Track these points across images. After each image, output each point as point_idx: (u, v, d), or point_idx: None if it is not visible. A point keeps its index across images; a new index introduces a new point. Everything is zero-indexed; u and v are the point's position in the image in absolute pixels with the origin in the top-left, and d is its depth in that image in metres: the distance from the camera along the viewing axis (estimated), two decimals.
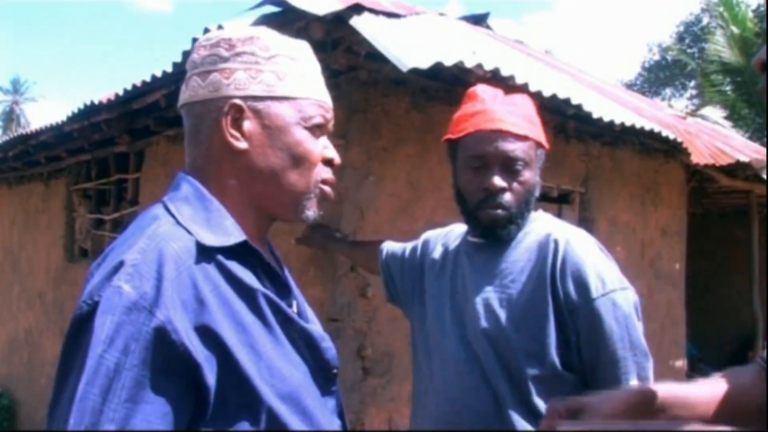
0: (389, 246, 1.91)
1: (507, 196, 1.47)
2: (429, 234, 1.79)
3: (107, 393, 0.78)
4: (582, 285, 1.43)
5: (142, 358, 0.79)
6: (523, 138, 1.48)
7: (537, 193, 1.55)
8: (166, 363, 0.81)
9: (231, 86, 0.94)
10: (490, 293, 1.49)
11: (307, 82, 0.99)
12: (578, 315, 1.43)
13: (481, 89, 1.55)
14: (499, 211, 1.47)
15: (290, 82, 0.97)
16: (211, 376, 0.84)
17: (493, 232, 1.50)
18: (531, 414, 1.41)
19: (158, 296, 0.81)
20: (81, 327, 0.82)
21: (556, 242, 1.46)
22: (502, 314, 1.46)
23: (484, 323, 1.47)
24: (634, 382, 1.42)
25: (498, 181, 1.46)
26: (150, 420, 0.80)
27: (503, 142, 1.46)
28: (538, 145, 1.53)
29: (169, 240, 0.86)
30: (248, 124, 0.95)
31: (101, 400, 0.78)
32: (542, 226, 1.53)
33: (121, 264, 0.83)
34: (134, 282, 0.81)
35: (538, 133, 1.53)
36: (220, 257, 0.89)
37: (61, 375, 0.83)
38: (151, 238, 0.86)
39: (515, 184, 1.48)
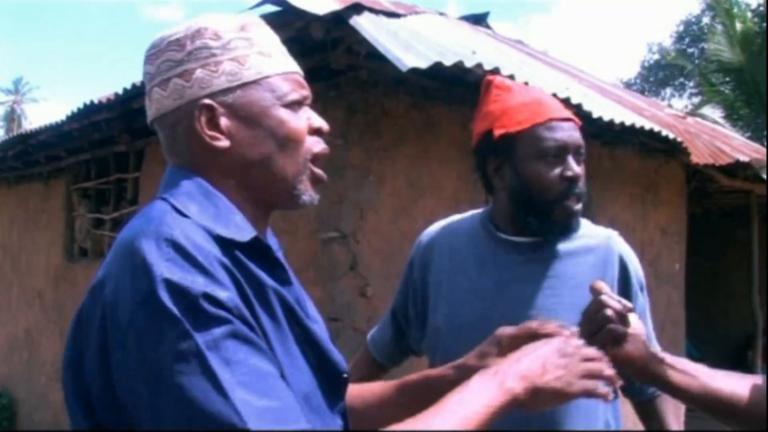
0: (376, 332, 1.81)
1: (582, 184, 1.42)
2: (420, 246, 1.58)
3: (227, 365, 0.74)
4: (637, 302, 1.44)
5: (230, 336, 0.76)
6: (580, 128, 1.45)
7: None
8: (250, 339, 0.79)
9: (194, 88, 0.89)
10: (547, 297, 1.41)
11: (268, 58, 0.94)
12: None
13: (507, 80, 1.52)
14: (580, 204, 1.42)
15: (252, 63, 0.91)
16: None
17: (568, 227, 1.44)
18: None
19: (210, 279, 0.78)
20: (141, 334, 0.75)
21: (621, 257, 1.47)
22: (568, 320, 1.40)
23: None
24: None
25: (579, 168, 1.40)
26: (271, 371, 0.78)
27: (575, 130, 1.42)
28: None
29: (189, 230, 0.82)
30: (224, 121, 0.90)
31: (230, 375, 0.74)
32: (588, 227, 1.50)
33: (151, 256, 0.78)
34: (178, 272, 0.77)
35: None
36: (235, 250, 0.85)
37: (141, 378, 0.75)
38: (172, 228, 0.81)
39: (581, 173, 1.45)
